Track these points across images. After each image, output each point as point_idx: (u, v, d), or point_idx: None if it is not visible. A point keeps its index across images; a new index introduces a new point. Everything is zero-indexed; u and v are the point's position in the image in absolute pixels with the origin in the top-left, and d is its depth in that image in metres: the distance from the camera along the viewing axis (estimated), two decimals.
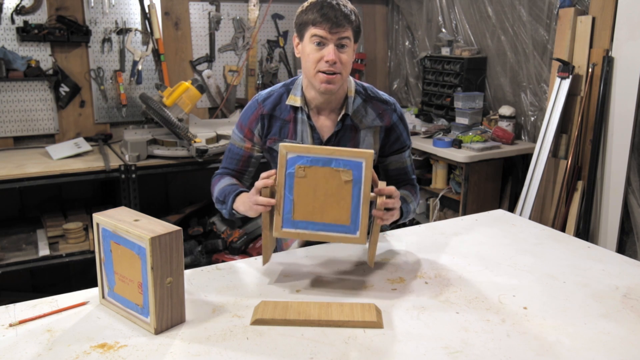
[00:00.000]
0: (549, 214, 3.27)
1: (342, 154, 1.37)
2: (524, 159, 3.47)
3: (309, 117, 1.66)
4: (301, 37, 1.59)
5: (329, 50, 1.52)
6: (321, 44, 1.53)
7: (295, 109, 1.67)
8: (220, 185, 1.69)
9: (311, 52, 1.55)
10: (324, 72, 1.55)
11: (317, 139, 1.67)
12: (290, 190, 1.39)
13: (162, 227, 1.27)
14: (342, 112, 1.65)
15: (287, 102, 1.66)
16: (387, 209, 1.45)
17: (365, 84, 1.74)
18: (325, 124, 1.68)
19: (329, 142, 1.67)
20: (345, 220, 1.39)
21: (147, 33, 3.68)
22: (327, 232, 1.41)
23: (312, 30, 1.53)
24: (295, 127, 1.67)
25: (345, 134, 1.67)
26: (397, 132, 1.71)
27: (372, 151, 1.37)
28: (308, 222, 1.41)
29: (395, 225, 1.93)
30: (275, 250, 1.79)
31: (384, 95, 1.74)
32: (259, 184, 1.43)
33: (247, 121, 1.71)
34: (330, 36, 1.52)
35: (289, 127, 1.67)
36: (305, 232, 1.41)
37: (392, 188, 1.45)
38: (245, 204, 1.54)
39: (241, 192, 1.62)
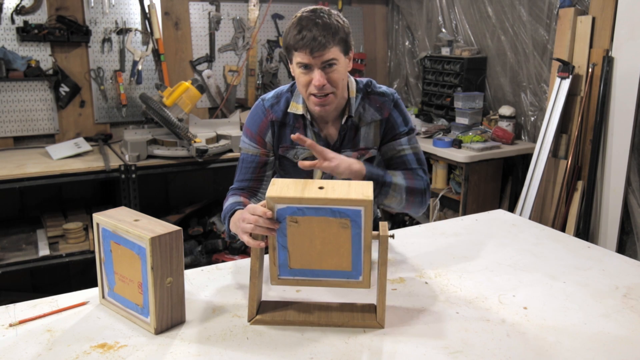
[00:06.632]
0: (549, 214, 3.27)
1: (338, 203, 1.23)
2: (524, 159, 3.47)
3: (312, 125, 1.62)
4: (290, 60, 1.52)
5: (315, 75, 1.45)
6: (307, 67, 1.45)
7: (300, 115, 1.62)
8: (226, 204, 1.58)
9: (299, 76, 1.49)
10: (315, 95, 1.49)
11: (323, 145, 1.61)
12: (284, 240, 1.28)
13: (162, 227, 1.27)
14: (346, 116, 1.60)
15: (289, 110, 1.61)
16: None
17: (365, 80, 1.67)
18: (331, 130, 1.64)
19: (334, 146, 1.63)
20: (347, 266, 1.29)
21: (147, 33, 3.68)
22: (329, 278, 1.31)
23: (295, 56, 1.46)
24: (306, 134, 1.62)
25: (347, 135, 1.64)
26: (392, 120, 1.64)
27: (370, 199, 1.22)
28: (306, 270, 1.31)
29: (393, 223, 1.92)
30: None
31: (382, 87, 1.67)
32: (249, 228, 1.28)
33: (257, 129, 1.63)
34: (314, 61, 1.43)
35: (300, 134, 1.59)
36: (304, 280, 1.32)
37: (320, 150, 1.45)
38: (236, 224, 1.39)
39: (237, 210, 1.49)
